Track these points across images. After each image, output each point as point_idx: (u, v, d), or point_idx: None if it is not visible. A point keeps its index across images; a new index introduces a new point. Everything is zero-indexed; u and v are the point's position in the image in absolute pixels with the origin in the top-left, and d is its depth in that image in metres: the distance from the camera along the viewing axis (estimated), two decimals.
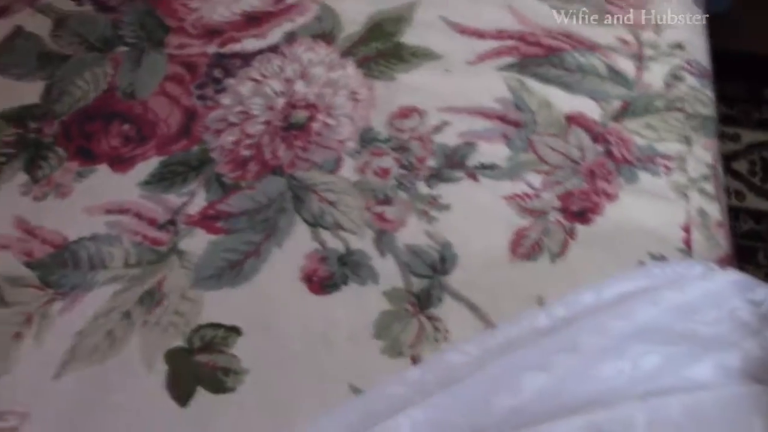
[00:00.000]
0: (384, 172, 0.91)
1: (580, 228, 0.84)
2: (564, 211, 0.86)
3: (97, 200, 0.91)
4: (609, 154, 0.91)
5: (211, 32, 1.07)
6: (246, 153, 0.94)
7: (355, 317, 0.80)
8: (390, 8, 1.06)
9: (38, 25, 1.10)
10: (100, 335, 0.81)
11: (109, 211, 0.90)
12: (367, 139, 0.93)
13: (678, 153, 0.90)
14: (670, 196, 0.87)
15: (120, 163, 0.95)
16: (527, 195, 0.87)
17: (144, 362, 0.78)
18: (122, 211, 0.90)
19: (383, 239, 0.85)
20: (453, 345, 0.74)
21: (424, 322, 0.79)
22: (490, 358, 0.71)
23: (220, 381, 0.77)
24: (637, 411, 0.65)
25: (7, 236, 0.89)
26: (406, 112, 0.95)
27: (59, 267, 0.86)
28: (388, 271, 0.83)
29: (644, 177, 0.89)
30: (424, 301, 0.80)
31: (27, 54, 1.07)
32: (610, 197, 0.87)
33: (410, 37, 1.03)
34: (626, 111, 0.94)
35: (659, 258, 0.81)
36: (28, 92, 1.02)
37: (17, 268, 0.86)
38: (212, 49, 1.05)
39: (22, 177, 0.94)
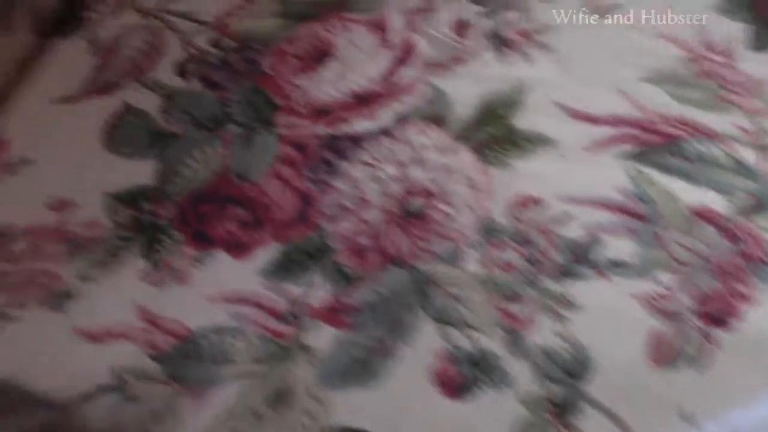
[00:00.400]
0: (508, 266, 0.89)
1: (720, 333, 0.81)
2: (701, 314, 0.83)
3: (217, 288, 0.90)
4: (741, 252, 0.88)
5: (319, 112, 1.06)
6: (365, 242, 0.92)
7: (491, 425, 0.78)
8: (500, 90, 1.05)
9: (146, 102, 1.10)
10: None
11: (229, 301, 0.89)
12: (487, 230, 0.91)
13: None
14: None
15: (238, 248, 0.94)
16: (660, 295, 0.85)
17: None
18: (243, 300, 0.89)
19: (514, 339, 0.83)
20: None
21: None
22: None
23: None
24: None
25: (130, 326, 0.88)
26: (525, 201, 0.94)
27: (184, 360, 0.85)
28: (522, 374, 0.81)
29: None
30: (563, 410, 0.78)
31: (136, 132, 1.07)
32: (748, 299, 0.84)
33: (523, 121, 1.02)
34: (756, 206, 0.91)
35: None
36: (140, 172, 1.02)
37: (142, 361, 0.85)
38: (322, 129, 1.04)
39: (140, 262, 0.93)
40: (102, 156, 1.04)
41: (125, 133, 1.07)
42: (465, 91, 1.06)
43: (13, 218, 0.99)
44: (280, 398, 0.81)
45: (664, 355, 0.81)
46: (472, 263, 0.90)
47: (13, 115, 1.12)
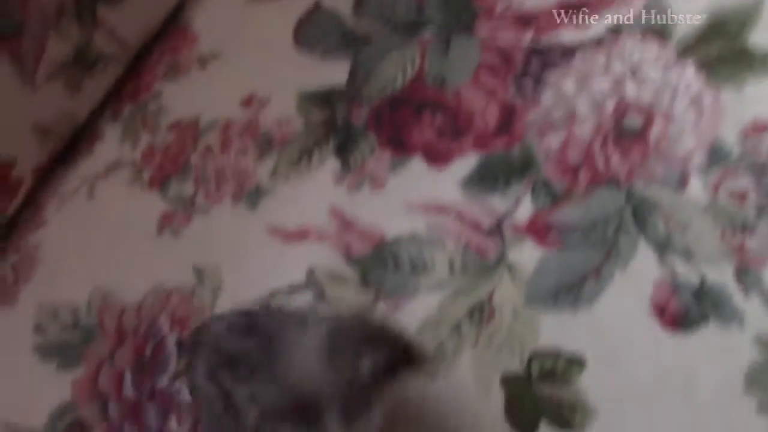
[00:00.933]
0: (740, 197, 0.79)
1: None
2: None
3: (414, 196, 0.86)
4: None
5: (524, 19, 0.98)
6: (575, 158, 0.85)
7: (719, 365, 0.70)
8: (733, 3, 0.93)
9: (339, 2, 1.05)
10: (428, 346, 0.75)
11: (428, 210, 0.84)
12: (716, 156, 0.82)
13: None
14: None
15: (436, 156, 0.88)
16: None
17: (479, 385, 0.72)
18: (443, 210, 0.84)
19: (746, 275, 0.74)
20: None
21: None
22: None
23: (565, 418, 0.69)
24: None
25: (323, 226, 0.85)
26: (761, 127, 0.83)
27: (380, 266, 0.81)
28: (756, 313, 0.72)
29: None
30: None
31: (329, 32, 1.02)
32: None
33: (760, 38, 0.90)
34: None
35: None
36: (333, 72, 0.98)
37: (337, 263, 0.82)
38: (527, 38, 0.96)
39: (334, 163, 0.90)
40: (294, 54, 1.01)
41: (317, 33, 1.03)
42: (690, 0, 0.95)
43: (205, 111, 0.98)
44: (483, 316, 0.76)
45: None
46: (697, 189, 0.81)
47: (201, 8, 1.10)
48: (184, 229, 0.89)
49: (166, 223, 0.89)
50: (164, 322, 0.81)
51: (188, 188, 0.92)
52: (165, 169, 0.94)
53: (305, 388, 0.55)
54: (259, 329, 0.61)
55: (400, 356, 0.55)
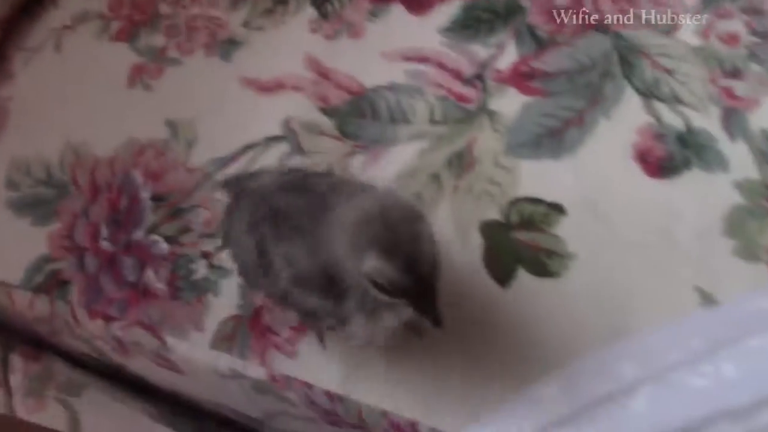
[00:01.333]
0: (732, 39, 0.76)
1: None
2: None
3: (394, 44, 0.82)
4: None
5: None
6: (562, 2, 0.81)
7: (701, 210, 0.69)
8: None
9: None
10: (407, 195, 0.73)
11: (408, 58, 0.81)
12: None
13: None
14: None
15: (416, 3, 0.84)
16: None
17: (457, 232, 0.71)
18: (423, 59, 0.81)
19: (732, 119, 0.72)
20: None
21: None
22: None
23: (542, 264, 0.69)
24: None
25: (299, 76, 0.82)
26: None
27: (357, 116, 0.78)
28: (740, 158, 0.71)
29: None
30: None
31: None
32: None
33: None
34: None
35: None
36: None
37: (313, 113, 0.79)
38: None
39: (310, 12, 0.85)
40: None
41: None
42: None
43: None
44: (463, 164, 0.74)
45: None
46: (688, 33, 0.78)
47: None
48: (156, 81, 0.86)
49: (136, 75, 0.86)
50: (138, 176, 0.80)
51: (158, 39, 0.88)
52: (134, 20, 0.90)
53: (337, 266, 0.53)
54: (309, 189, 0.58)
55: (419, 288, 0.49)
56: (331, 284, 0.53)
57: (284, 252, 0.56)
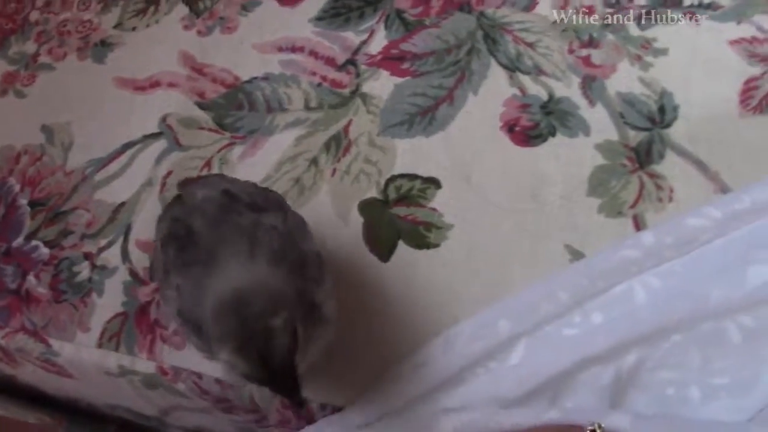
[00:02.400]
0: (588, 10, 0.80)
1: None
2: None
3: (267, 36, 0.83)
4: None
5: None
6: None
7: (566, 172, 0.73)
8: None
9: None
10: (287, 182, 0.75)
11: (281, 49, 0.82)
12: None
13: None
14: None
15: None
16: (756, 39, 0.76)
17: (338, 213, 0.73)
18: (296, 49, 0.82)
19: (592, 86, 0.76)
20: (692, 208, 0.66)
21: (645, 179, 0.71)
22: (737, 223, 0.64)
23: (422, 236, 0.71)
24: None
25: (175, 73, 0.82)
26: None
27: (234, 108, 0.79)
28: (600, 121, 0.75)
29: None
30: (643, 157, 0.72)
31: None
32: None
33: None
34: None
35: None
36: None
37: (190, 108, 0.80)
38: None
39: (183, 9, 0.86)
40: None
41: None
42: None
43: None
44: (340, 147, 0.76)
45: (757, 101, 0.74)
46: (546, 7, 0.81)
47: None
48: (29, 88, 0.85)
49: (8, 84, 0.85)
50: (14, 183, 0.79)
51: (30, 47, 0.87)
52: (3, 29, 0.89)
53: (207, 330, 0.51)
54: (227, 222, 0.55)
55: (274, 378, 0.49)
56: (203, 333, 0.52)
57: (178, 283, 0.55)
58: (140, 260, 0.73)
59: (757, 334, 0.59)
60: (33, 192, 0.77)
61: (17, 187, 0.77)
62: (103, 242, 0.73)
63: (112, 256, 0.72)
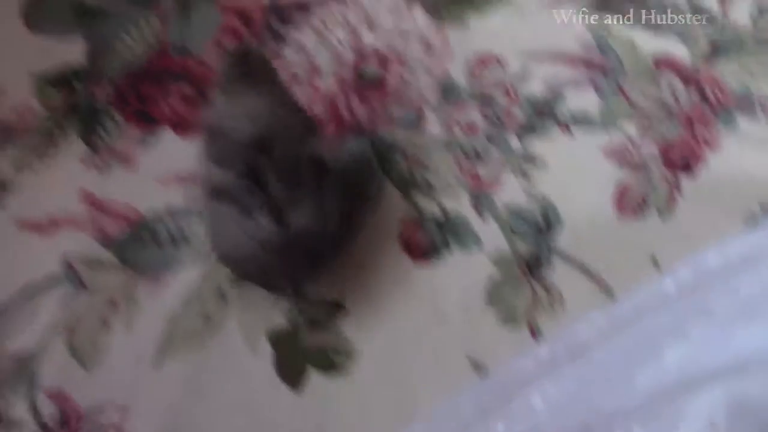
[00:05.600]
0: (471, 128, 0.86)
1: (685, 180, 0.81)
2: (666, 162, 0.82)
3: (167, 169, 0.85)
4: (704, 98, 0.86)
5: None
6: (320, 111, 0.88)
7: (464, 285, 0.77)
8: None
9: None
10: (195, 318, 0.76)
11: (182, 181, 0.84)
12: (448, 92, 0.88)
13: None
14: None
15: (185, 126, 0.88)
16: (625, 147, 0.83)
17: (247, 344, 0.74)
18: (197, 180, 0.84)
19: (481, 200, 0.81)
20: (578, 316, 0.71)
21: (537, 287, 0.76)
22: (621, 327, 0.69)
23: (332, 362, 0.73)
24: None
25: (75, 212, 0.83)
26: (484, 60, 0.90)
27: (138, 245, 0.80)
28: (491, 234, 0.80)
29: (744, 122, 0.85)
30: (533, 265, 0.77)
31: (60, 8, 0.98)
32: (712, 146, 0.83)
33: None
34: (717, 51, 0.89)
35: None
36: (70, 51, 0.94)
37: (93, 249, 0.80)
38: None
39: (81, 146, 0.87)
40: (25, 36, 0.95)
41: (48, 11, 0.98)
42: None
43: None
44: None
45: (631, 205, 0.80)
46: (434, 126, 0.86)
47: None
48: None
49: None
50: None
51: None
52: None
53: None
54: None
55: None
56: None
57: None
58: (51, 412, 0.72)
59: None
60: None
61: None
62: (10, 396, 0.72)
63: (19, 411, 0.71)
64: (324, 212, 0.68)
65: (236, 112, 0.70)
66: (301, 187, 0.69)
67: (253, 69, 0.73)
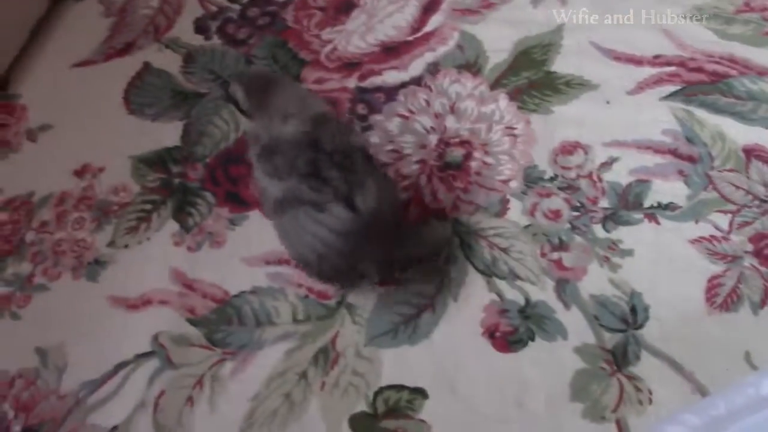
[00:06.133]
0: (555, 215, 0.85)
1: None
2: (758, 255, 0.80)
3: (254, 250, 0.87)
4: None
5: (349, 65, 1.02)
6: (404, 196, 0.89)
7: (548, 377, 0.75)
8: (536, 34, 1.00)
9: (167, 61, 1.06)
10: (277, 399, 0.77)
11: (268, 262, 0.86)
12: (531, 179, 0.88)
13: None
14: None
15: None
16: (715, 238, 0.81)
17: (328, 428, 0.74)
18: (282, 261, 0.86)
19: (565, 289, 0.80)
20: (668, 415, 0.68)
21: (624, 382, 0.74)
22: (715, 430, 0.66)
23: None
24: None
25: (166, 291, 0.85)
26: (569, 148, 0.90)
27: (224, 324, 0.82)
28: (576, 324, 0.78)
29: None
30: (620, 359, 0.75)
31: (159, 92, 1.03)
32: None
33: (561, 65, 0.98)
34: None
35: None
36: (166, 133, 0.99)
37: (181, 326, 0.82)
38: (352, 83, 1.00)
39: (173, 226, 0.90)
40: (125, 119, 1.01)
41: (147, 94, 1.03)
42: (497, 35, 1.01)
43: (38, 186, 0.96)
44: (328, 359, 0.78)
45: (722, 298, 0.78)
46: (517, 213, 0.86)
47: (29, 80, 1.09)
48: (24, 310, 0.87)
49: (4, 306, 0.87)
50: (9, 408, 0.80)
51: (25, 267, 0.91)
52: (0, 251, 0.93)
53: None
54: None
55: None
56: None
57: None
58: None
59: None
60: (27, 418, 0.78)
61: (11, 413, 0.79)
62: None
63: None
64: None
65: (274, 121, 0.73)
66: (358, 173, 0.71)
67: (263, 83, 0.76)
